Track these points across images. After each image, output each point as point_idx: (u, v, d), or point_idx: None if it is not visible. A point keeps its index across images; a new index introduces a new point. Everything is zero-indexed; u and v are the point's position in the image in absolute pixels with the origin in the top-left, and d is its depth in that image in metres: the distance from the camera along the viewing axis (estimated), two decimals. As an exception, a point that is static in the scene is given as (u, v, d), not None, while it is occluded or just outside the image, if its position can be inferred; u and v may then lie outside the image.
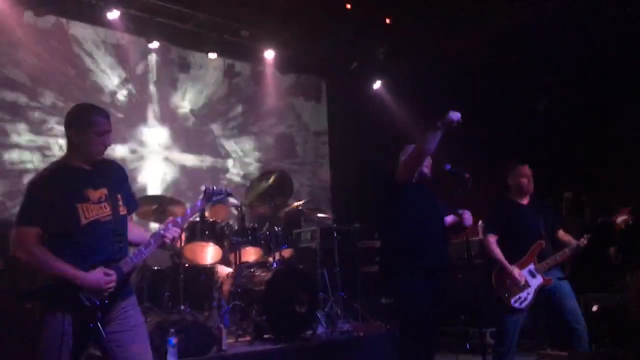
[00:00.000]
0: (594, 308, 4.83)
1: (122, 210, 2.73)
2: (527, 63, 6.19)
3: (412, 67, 7.19)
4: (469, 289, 5.41)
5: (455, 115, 3.42)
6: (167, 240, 2.72)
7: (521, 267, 4.09)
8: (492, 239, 4.18)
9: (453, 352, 5.00)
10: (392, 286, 3.68)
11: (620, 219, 4.15)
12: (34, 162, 5.99)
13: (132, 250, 2.74)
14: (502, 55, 6.32)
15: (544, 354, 4.77)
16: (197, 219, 5.17)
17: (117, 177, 2.81)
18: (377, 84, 7.87)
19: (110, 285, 2.58)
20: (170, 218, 2.80)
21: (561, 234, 4.30)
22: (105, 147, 2.72)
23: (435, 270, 3.51)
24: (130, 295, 2.75)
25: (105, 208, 2.65)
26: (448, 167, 3.38)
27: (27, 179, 5.61)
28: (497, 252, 4.14)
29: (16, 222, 2.57)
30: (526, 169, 4.29)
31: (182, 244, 4.98)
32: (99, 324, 2.53)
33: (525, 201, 4.30)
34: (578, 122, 5.84)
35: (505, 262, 4.09)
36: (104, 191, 2.66)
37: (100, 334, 2.53)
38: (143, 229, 2.97)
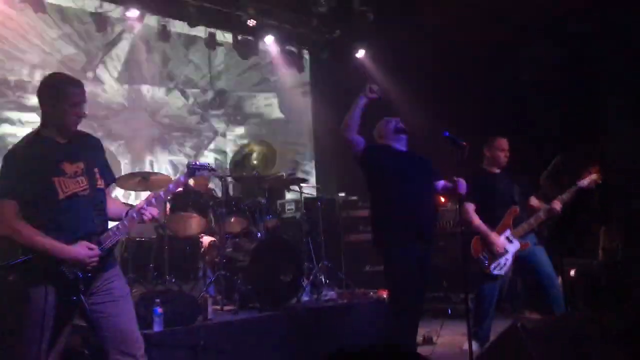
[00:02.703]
0: (571, 273, 4.96)
1: (100, 184, 2.72)
2: (515, 33, 6.18)
3: (396, 35, 7.13)
4: (451, 255, 5.54)
5: (373, 87, 3.61)
6: (146, 219, 2.72)
7: (498, 234, 4.18)
8: (470, 207, 4.26)
9: (436, 317, 5.12)
10: (380, 254, 3.76)
11: (587, 180, 4.24)
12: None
13: (112, 225, 2.74)
14: (491, 24, 6.28)
15: (522, 317, 4.90)
16: (181, 189, 5.17)
17: (93, 150, 2.78)
18: (360, 53, 7.81)
19: (93, 259, 2.58)
20: (151, 194, 2.80)
21: (534, 200, 4.42)
22: (80, 117, 2.67)
23: (419, 238, 3.57)
24: (114, 266, 2.76)
25: (82, 182, 2.63)
26: (446, 134, 3.40)
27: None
28: (476, 219, 4.24)
29: None
30: (504, 143, 4.39)
31: (167, 215, 4.98)
32: (82, 296, 2.54)
33: (498, 171, 4.41)
34: (565, 92, 5.87)
35: (485, 229, 4.18)
36: (80, 165, 2.64)
37: (84, 307, 2.55)
38: (121, 203, 2.95)
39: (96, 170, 2.71)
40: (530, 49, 6.02)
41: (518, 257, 4.20)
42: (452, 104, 6.27)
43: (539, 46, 5.96)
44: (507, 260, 4.16)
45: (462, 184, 3.60)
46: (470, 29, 6.14)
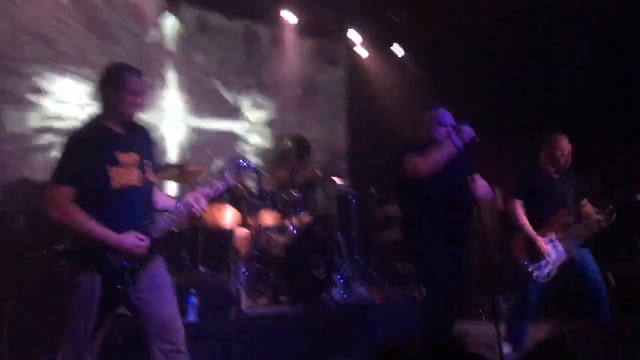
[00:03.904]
0: (611, 279, 4.81)
1: (151, 176, 2.74)
2: (550, 27, 6.01)
3: (430, 32, 7.03)
4: (483, 256, 5.42)
5: (468, 133, 3.27)
6: (195, 213, 2.74)
7: (542, 236, 4.03)
8: (518, 204, 4.07)
9: (467, 319, 5.03)
10: (411, 254, 3.67)
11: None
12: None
13: (159, 217, 2.76)
14: (523, 19, 6.13)
15: (565, 322, 4.78)
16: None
17: (147, 142, 2.81)
18: (396, 49, 7.74)
19: (142, 250, 2.61)
20: (200, 190, 2.80)
21: (587, 205, 4.17)
22: (139, 107, 2.69)
23: (454, 239, 3.49)
24: (159, 257, 2.78)
25: (135, 173, 2.65)
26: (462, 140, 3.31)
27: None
28: (523, 218, 4.04)
29: (51, 180, 2.58)
30: (562, 141, 4.12)
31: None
32: (127, 286, 2.57)
33: (557, 174, 4.15)
34: (603, 89, 5.67)
35: (531, 230, 4.00)
36: (134, 156, 2.66)
37: (128, 296, 2.58)
38: (168, 196, 2.98)
39: (148, 162, 2.74)
40: (566, 43, 5.83)
41: (562, 261, 4.04)
42: (490, 98, 6.15)
43: (578, 39, 5.74)
44: (549, 265, 3.99)
45: (481, 187, 3.40)
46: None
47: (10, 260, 4.13)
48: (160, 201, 2.84)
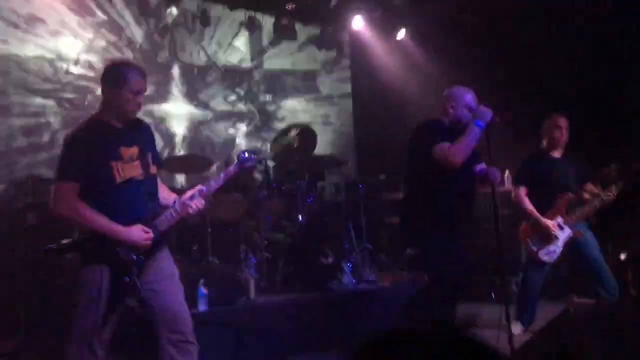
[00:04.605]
0: (622, 256, 4.79)
1: (153, 169, 2.78)
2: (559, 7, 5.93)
3: (436, 13, 6.96)
4: (495, 239, 5.39)
5: (488, 114, 3.19)
6: (191, 211, 2.75)
7: (549, 219, 4.05)
8: (522, 191, 4.12)
9: (478, 301, 5.03)
10: (415, 239, 3.67)
11: None
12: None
13: (164, 210, 2.79)
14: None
15: (573, 302, 4.78)
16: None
17: (147, 136, 2.84)
18: (401, 33, 7.67)
19: (148, 242, 2.65)
20: (199, 186, 2.82)
21: (589, 186, 4.22)
22: (140, 105, 2.73)
23: (458, 224, 3.48)
24: (165, 248, 2.82)
25: (138, 167, 2.68)
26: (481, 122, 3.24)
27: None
28: (528, 204, 4.10)
29: (55, 177, 2.63)
30: (560, 120, 4.18)
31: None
32: (135, 277, 2.60)
33: (557, 154, 4.21)
34: (613, 71, 5.60)
35: (538, 215, 4.03)
36: (135, 149, 2.69)
37: (136, 287, 2.61)
38: (169, 190, 2.99)
39: (149, 155, 2.77)
40: (584, 23, 5.74)
41: (569, 243, 4.06)
42: (497, 80, 6.09)
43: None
44: (557, 247, 4.03)
45: (494, 172, 3.35)
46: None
47: (21, 255, 4.19)
48: (161, 194, 2.86)
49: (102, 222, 2.57)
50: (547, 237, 4.02)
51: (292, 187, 5.38)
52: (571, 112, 4.34)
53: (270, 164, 5.68)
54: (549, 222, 4.02)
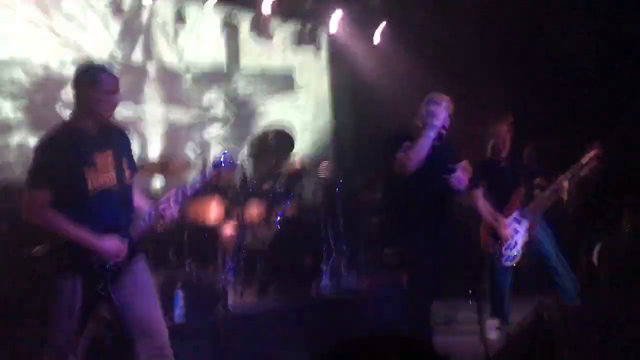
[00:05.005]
0: (595, 249, 4.88)
1: (128, 176, 2.71)
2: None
3: (415, 12, 6.97)
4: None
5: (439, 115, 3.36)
6: (166, 220, 2.72)
7: (506, 215, 4.17)
8: (477, 193, 4.24)
9: (458, 300, 5.07)
10: (394, 240, 3.72)
11: (587, 157, 4.14)
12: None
13: (138, 218, 2.75)
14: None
15: (544, 302, 4.85)
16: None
17: (121, 140, 2.78)
18: (378, 31, 7.66)
19: (121, 251, 2.60)
20: (174, 190, 2.77)
21: (540, 180, 4.37)
22: (113, 107, 2.66)
23: (433, 224, 3.52)
24: (140, 257, 2.76)
25: (112, 174, 2.63)
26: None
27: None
28: (481, 205, 4.22)
29: (26, 187, 2.56)
30: (500, 128, 4.33)
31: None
32: (108, 288, 2.56)
33: (504, 153, 4.34)
34: (600, 72, 5.67)
35: (488, 215, 4.19)
36: (109, 155, 2.63)
37: (110, 298, 2.57)
38: (143, 197, 2.94)
39: (124, 161, 2.71)
40: (565, 25, 5.80)
41: (529, 236, 4.17)
42: (476, 84, 6.14)
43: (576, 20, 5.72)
44: (517, 242, 4.13)
45: (459, 178, 3.45)
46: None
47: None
48: (136, 203, 2.82)
49: (76, 231, 2.52)
50: (506, 236, 4.11)
51: (269, 189, 5.35)
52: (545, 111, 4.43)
53: (248, 165, 5.64)
54: (498, 223, 4.12)
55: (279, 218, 5.15)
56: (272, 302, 4.45)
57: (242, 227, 5.04)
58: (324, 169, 6.13)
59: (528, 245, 4.19)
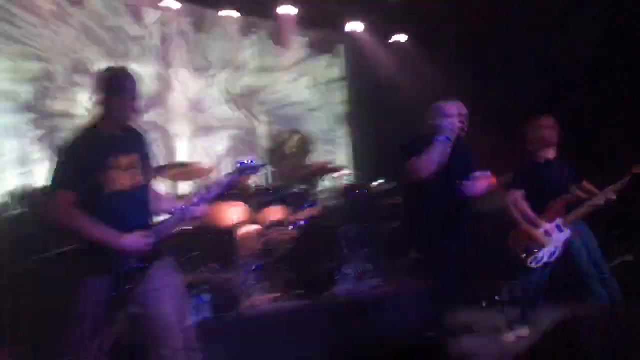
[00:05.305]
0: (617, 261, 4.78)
1: (147, 178, 2.77)
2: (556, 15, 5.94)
3: (431, 18, 6.95)
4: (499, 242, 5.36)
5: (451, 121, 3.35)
6: (193, 217, 2.80)
7: (548, 222, 4.01)
8: (515, 195, 4.07)
9: (477, 305, 5.01)
10: (414, 246, 3.70)
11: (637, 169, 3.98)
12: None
13: (162, 219, 2.80)
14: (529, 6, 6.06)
15: (574, 307, 4.78)
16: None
17: (142, 144, 2.83)
18: (396, 37, 7.67)
19: (148, 247, 2.63)
20: (199, 192, 2.84)
21: (586, 185, 4.16)
22: (134, 112, 2.71)
23: (454, 230, 3.49)
24: (165, 259, 2.78)
25: (132, 176, 2.68)
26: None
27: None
28: (516, 210, 4.04)
29: (51, 187, 2.62)
30: (546, 120, 4.13)
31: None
32: (133, 288, 2.58)
33: (549, 155, 4.16)
34: (605, 77, 5.60)
35: (525, 224, 4.00)
36: (131, 158, 2.68)
37: (135, 296, 2.60)
38: (167, 197, 3.00)
39: (144, 164, 2.76)
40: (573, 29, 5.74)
41: (568, 244, 4.04)
42: (494, 86, 6.10)
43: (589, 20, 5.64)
44: (555, 249, 4.01)
45: (474, 185, 3.42)
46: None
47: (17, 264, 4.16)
48: (159, 202, 2.85)
49: (99, 230, 2.56)
50: (537, 245, 4.00)
51: (291, 192, 5.36)
52: (573, 118, 4.32)
53: (268, 170, 5.67)
54: (536, 232, 3.98)
55: (299, 222, 5.15)
56: (294, 303, 4.43)
57: (264, 229, 5.06)
58: (344, 174, 6.14)
59: (563, 253, 4.04)
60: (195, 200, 2.79)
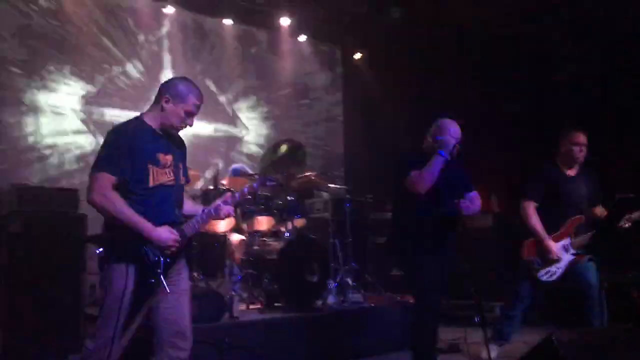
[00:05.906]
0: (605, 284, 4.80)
1: (182, 179, 2.85)
2: (546, 33, 6.03)
3: (428, 35, 7.04)
4: (484, 263, 5.38)
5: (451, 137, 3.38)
6: (223, 215, 2.84)
7: (556, 240, 3.96)
8: (531, 206, 4.00)
9: (462, 325, 5.02)
10: (400, 260, 3.71)
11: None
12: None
13: (189, 218, 2.83)
14: (522, 24, 6.16)
15: (556, 329, 4.80)
16: (211, 187, 5.20)
17: (180, 147, 2.90)
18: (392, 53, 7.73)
19: (176, 244, 2.66)
20: (227, 194, 2.90)
21: (599, 210, 4.12)
22: (186, 126, 2.79)
23: (441, 247, 3.51)
24: (184, 258, 2.83)
25: (170, 174, 2.74)
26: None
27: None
28: (535, 221, 3.96)
29: (94, 167, 2.64)
30: (579, 137, 4.02)
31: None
32: (161, 278, 2.59)
33: (573, 172, 4.08)
34: (598, 95, 5.68)
35: (543, 234, 3.93)
36: (170, 157, 2.76)
37: (163, 288, 2.59)
38: (193, 201, 3.10)
39: (180, 166, 2.84)
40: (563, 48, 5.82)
41: (570, 267, 3.98)
42: (491, 100, 6.18)
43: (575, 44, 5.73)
44: (558, 269, 3.94)
45: (465, 205, 3.40)
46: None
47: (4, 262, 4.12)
48: (187, 205, 2.93)
49: (135, 216, 2.59)
50: (550, 259, 3.96)
51: (279, 203, 5.35)
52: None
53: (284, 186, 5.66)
54: (553, 246, 3.93)
55: (288, 232, 5.15)
56: (278, 315, 4.42)
57: (251, 239, 5.05)
58: (334, 187, 6.15)
59: (569, 271, 3.98)
60: (225, 200, 2.85)
